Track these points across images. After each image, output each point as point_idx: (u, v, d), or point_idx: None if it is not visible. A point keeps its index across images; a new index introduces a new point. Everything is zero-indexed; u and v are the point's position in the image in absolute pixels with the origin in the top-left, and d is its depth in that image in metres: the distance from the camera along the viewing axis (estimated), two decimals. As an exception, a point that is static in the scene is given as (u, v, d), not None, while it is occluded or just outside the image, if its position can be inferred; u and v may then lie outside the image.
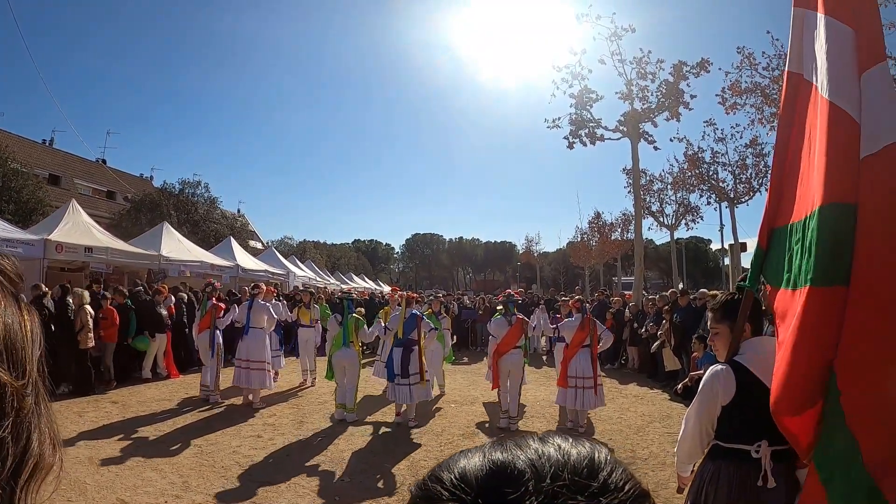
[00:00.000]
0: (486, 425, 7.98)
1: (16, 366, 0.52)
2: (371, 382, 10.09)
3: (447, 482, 0.47)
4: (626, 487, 0.47)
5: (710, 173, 22.67)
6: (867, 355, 1.87)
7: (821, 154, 2.04)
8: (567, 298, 11.27)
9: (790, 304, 2.13)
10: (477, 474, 0.47)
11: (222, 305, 9.71)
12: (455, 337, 14.23)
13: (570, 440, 0.51)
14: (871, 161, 1.94)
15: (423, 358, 7.93)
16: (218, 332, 9.33)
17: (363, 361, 9.27)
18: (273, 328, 9.70)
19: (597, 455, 0.49)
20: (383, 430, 7.61)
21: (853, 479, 1.86)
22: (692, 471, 2.71)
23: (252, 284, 10.06)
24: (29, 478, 0.51)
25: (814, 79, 2.22)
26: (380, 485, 5.58)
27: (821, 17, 2.17)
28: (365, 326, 8.36)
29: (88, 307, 9.30)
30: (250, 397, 8.91)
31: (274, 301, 11.32)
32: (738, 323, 2.58)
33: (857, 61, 2.05)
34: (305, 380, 10.93)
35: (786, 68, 2.45)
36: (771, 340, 2.52)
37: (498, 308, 8.40)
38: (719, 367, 2.52)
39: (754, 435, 2.39)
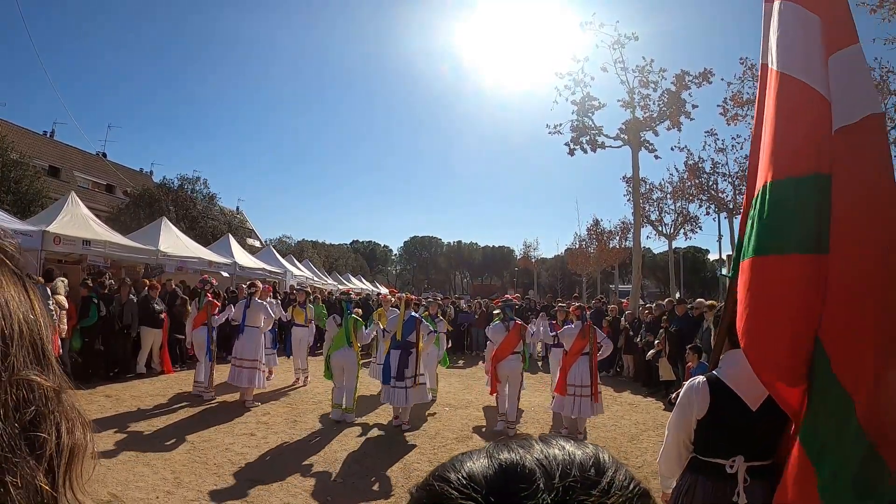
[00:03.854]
0: (483, 429, 7.97)
1: (40, 361, 0.51)
2: (366, 384, 10.07)
3: (454, 482, 0.47)
4: (631, 486, 0.48)
5: (710, 183, 22.75)
6: (854, 322, 1.88)
7: (779, 127, 2.13)
8: (564, 305, 11.26)
9: (754, 273, 2.14)
10: (485, 473, 0.47)
11: (217, 303, 9.67)
12: (450, 341, 14.19)
13: (573, 442, 0.52)
14: (848, 130, 2.00)
15: (420, 361, 7.87)
16: (213, 329, 9.30)
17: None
18: (270, 327, 9.67)
19: (601, 455, 0.50)
20: (377, 431, 7.60)
21: (848, 444, 1.85)
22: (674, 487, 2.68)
23: (249, 283, 9.95)
24: (68, 467, 0.50)
25: (769, 61, 2.31)
26: (373, 487, 5.56)
27: (781, 5, 2.27)
28: (363, 328, 8.31)
29: (61, 297, 9.03)
30: (241, 396, 8.87)
31: (269, 299, 11.29)
32: (721, 325, 2.55)
33: (825, 45, 2.12)
34: (298, 379, 10.89)
35: (759, 61, 2.50)
36: None
37: (495, 313, 8.40)
38: (696, 380, 2.50)
39: (730, 450, 2.36)
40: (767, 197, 2.08)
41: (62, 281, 9.25)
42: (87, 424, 0.54)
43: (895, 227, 1.92)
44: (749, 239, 2.16)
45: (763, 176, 2.13)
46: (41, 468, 0.47)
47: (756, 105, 2.47)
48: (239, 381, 8.74)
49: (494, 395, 7.92)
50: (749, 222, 2.25)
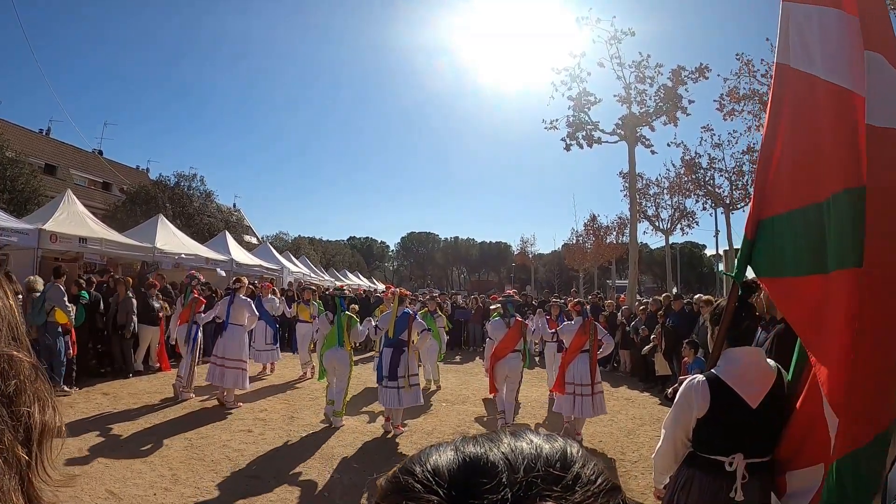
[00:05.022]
0: (482, 420, 8.00)
1: (17, 341, 0.54)
2: (365, 379, 10.10)
3: (419, 475, 0.47)
4: (599, 480, 0.48)
5: (707, 179, 22.81)
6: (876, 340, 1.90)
7: (832, 139, 2.09)
8: (560, 300, 11.27)
9: (809, 292, 2.15)
10: (450, 467, 0.47)
11: (203, 300, 9.38)
12: (447, 336, 14.22)
13: (543, 435, 0.52)
14: (881, 138, 1.98)
15: (414, 360, 7.50)
16: (197, 326, 9.04)
17: (357, 359, 9.23)
18: (253, 326, 9.27)
19: (569, 449, 0.50)
20: (375, 427, 7.60)
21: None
22: (666, 484, 2.68)
23: (233, 279, 9.56)
24: (40, 443, 0.54)
25: (808, 68, 2.26)
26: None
27: (817, 9, 2.24)
28: (358, 325, 7.97)
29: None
30: (223, 396, 8.47)
31: (270, 296, 11.28)
32: (722, 324, 2.53)
33: (863, 40, 2.08)
34: (305, 373, 10.91)
35: (774, 60, 2.47)
36: (750, 351, 2.51)
37: (492, 308, 8.28)
38: (695, 379, 2.49)
39: (730, 447, 2.37)
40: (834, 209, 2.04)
41: (42, 280, 9.19)
42: (56, 407, 0.57)
43: None
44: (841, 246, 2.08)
45: (830, 185, 2.08)
46: (18, 439, 0.51)
47: (770, 104, 2.43)
48: (222, 382, 8.35)
49: (494, 394, 7.67)
50: (790, 230, 2.24)
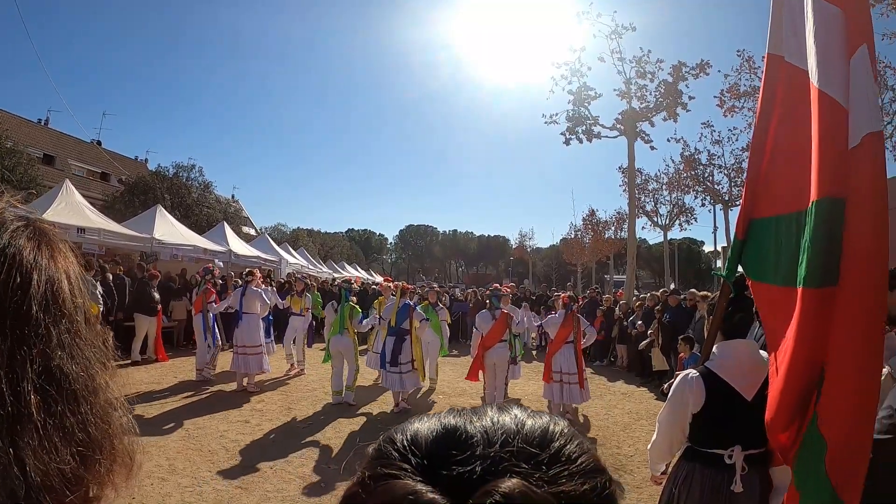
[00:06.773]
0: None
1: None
2: (361, 372, 10.09)
3: (398, 442, 0.48)
4: (580, 460, 0.46)
5: (706, 175, 22.81)
6: (850, 358, 1.78)
7: (815, 146, 1.94)
8: (560, 294, 11.29)
9: (783, 303, 2.05)
10: (427, 437, 0.47)
11: (213, 290, 9.86)
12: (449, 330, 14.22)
13: (529, 412, 0.51)
14: (855, 152, 1.85)
15: (417, 347, 8.19)
16: (211, 315, 9.53)
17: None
18: (267, 313, 9.77)
19: (552, 426, 0.49)
20: (371, 419, 7.64)
21: (818, 482, 1.81)
22: (663, 471, 2.69)
23: (246, 270, 10.02)
24: None
25: (801, 63, 2.11)
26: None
27: None
28: (359, 314, 8.57)
29: None
30: (244, 382, 8.99)
31: (263, 287, 11.31)
32: (714, 319, 2.51)
33: (846, 45, 1.93)
34: (292, 366, 10.94)
35: (766, 51, 2.29)
36: (743, 343, 2.49)
37: (489, 302, 8.46)
38: (689, 374, 2.47)
39: (727, 440, 2.36)
40: (814, 218, 1.89)
41: None
42: None
43: (883, 260, 1.79)
44: (801, 263, 1.96)
45: (810, 193, 1.94)
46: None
47: (761, 97, 2.32)
48: (247, 368, 8.88)
49: (476, 381, 8.27)
50: (791, 239, 2.09)
